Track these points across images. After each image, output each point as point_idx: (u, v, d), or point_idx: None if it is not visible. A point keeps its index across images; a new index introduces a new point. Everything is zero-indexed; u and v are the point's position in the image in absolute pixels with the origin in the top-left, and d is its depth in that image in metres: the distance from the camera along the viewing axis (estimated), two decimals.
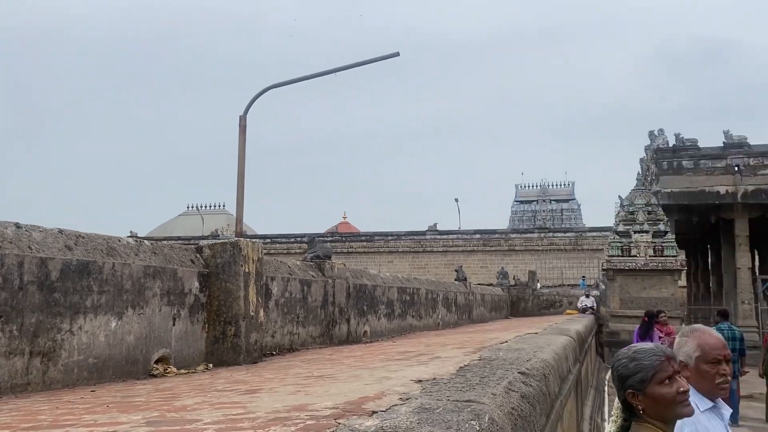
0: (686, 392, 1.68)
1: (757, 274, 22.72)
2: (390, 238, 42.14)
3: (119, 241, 3.54)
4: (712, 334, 2.20)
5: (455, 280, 14.28)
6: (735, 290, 18.73)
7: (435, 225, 42.40)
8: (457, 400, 1.82)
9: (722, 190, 18.39)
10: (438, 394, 1.98)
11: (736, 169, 18.45)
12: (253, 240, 4.46)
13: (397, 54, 11.74)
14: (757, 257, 25.46)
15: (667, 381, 1.68)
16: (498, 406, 1.84)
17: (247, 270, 4.12)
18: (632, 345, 1.82)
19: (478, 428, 1.49)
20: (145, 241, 3.86)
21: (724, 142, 18.92)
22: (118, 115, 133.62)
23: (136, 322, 3.41)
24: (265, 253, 4.61)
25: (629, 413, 1.76)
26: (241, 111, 11.30)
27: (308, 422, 1.48)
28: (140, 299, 3.45)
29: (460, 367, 2.80)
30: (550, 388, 3.03)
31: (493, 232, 43.44)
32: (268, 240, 40.63)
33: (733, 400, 9.13)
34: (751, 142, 18.75)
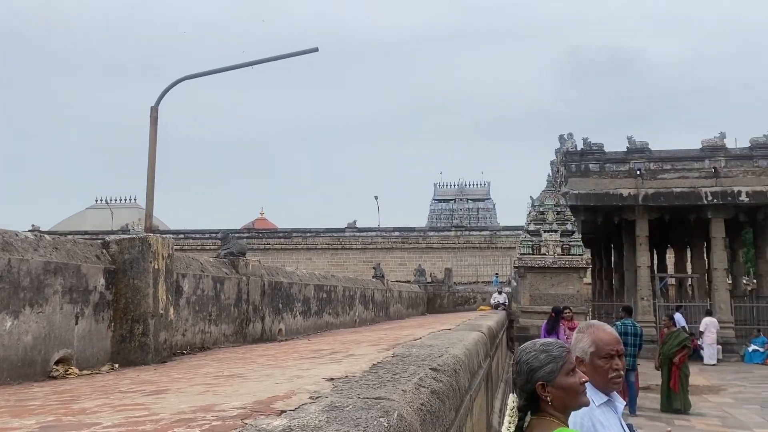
0: (585, 383, 1.79)
1: (656, 272, 24.19)
2: (308, 234, 41.84)
3: (16, 235, 3.33)
4: (606, 330, 2.31)
5: (373, 277, 14.38)
6: (635, 287, 19.86)
7: (354, 222, 42.48)
8: (368, 398, 1.83)
9: (625, 192, 19.45)
10: (349, 392, 1.98)
11: (638, 173, 19.55)
12: (164, 236, 4.32)
13: (316, 49, 11.67)
14: (656, 256, 27.10)
15: (572, 372, 1.78)
16: (408, 403, 1.86)
17: (156, 267, 3.98)
18: (536, 340, 1.89)
19: (386, 425, 1.51)
20: (45, 235, 3.66)
21: (627, 147, 19.99)
22: (20, 104, 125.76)
23: (35, 322, 3.23)
24: (177, 250, 4.48)
25: (528, 408, 1.81)
26: (153, 102, 10.91)
27: (214, 423, 1.46)
28: (39, 297, 3.26)
29: (373, 365, 2.82)
30: (460, 383, 3.10)
31: (412, 229, 43.98)
32: (181, 236, 39.41)
33: (631, 392, 9.69)
34: (652, 147, 19.90)
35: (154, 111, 10.75)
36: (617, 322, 10.43)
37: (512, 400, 1.89)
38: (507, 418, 1.90)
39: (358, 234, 41.72)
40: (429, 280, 20.50)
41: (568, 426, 1.81)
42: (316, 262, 39.67)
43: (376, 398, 1.82)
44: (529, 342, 1.92)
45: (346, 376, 2.41)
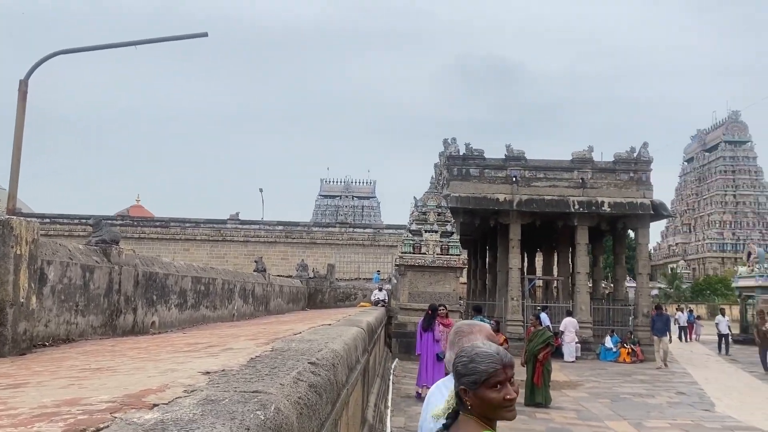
0: (512, 400, 1.76)
1: (525, 273, 25.63)
2: (188, 225, 40.34)
3: None
4: (486, 327, 2.46)
5: (254, 271, 14.14)
6: (506, 287, 20.94)
7: (237, 214, 41.47)
8: (245, 391, 1.82)
9: (501, 197, 20.45)
10: (225, 385, 1.96)
11: (514, 179, 20.62)
12: (28, 219, 4.02)
13: (205, 34, 11.29)
14: (526, 259, 28.72)
15: (498, 386, 1.75)
16: (285, 396, 1.87)
17: (18, 252, 3.70)
18: (477, 345, 1.86)
19: (263, 417, 1.51)
20: None
21: (505, 155, 21.02)
22: None
23: None
24: (43, 235, 4.18)
25: (460, 403, 1.85)
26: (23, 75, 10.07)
27: (80, 417, 1.39)
28: None
29: (251, 359, 2.79)
30: (338, 378, 3.14)
31: (296, 224, 43.64)
32: (47, 220, 36.67)
33: None
34: (528, 156, 21.06)
35: (24, 85, 9.94)
36: (467, 321, 10.98)
37: (451, 389, 1.91)
38: (445, 403, 1.93)
39: (240, 226, 40.78)
40: (311, 275, 20.45)
41: (492, 430, 1.80)
42: (195, 253, 38.35)
43: (253, 391, 1.82)
44: (470, 345, 1.89)
45: (223, 370, 2.37)
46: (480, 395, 1.76)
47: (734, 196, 74.55)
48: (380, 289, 19.46)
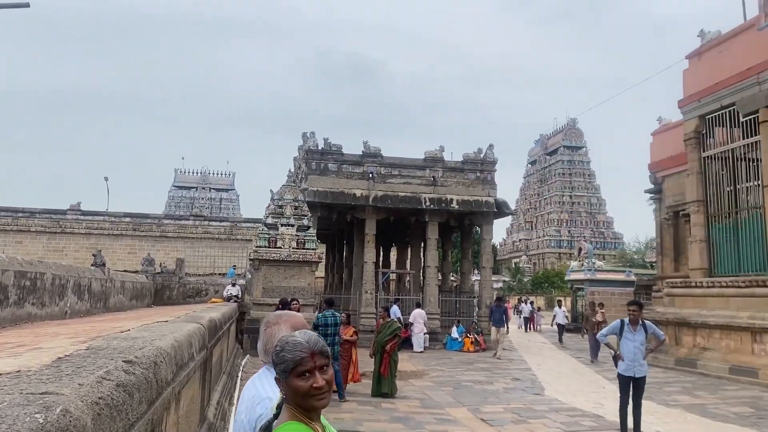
0: (320, 388, 1.76)
1: (380, 267, 26.25)
2: (20, 215, 36.83)
3: None
4: (298, 316, 2.46)
5: (92, 265, 13.21)
6: (361, 281, 21.31)
7: (78, 204, 38.48)
8: (32, 393, 1.70)
9: (358, 192, 20.77)
10: (12, 387, 1.81)
11: (371, 175, 21.02)
12: None
13: (27, 5, 10.33)
14: (381, 253, 29.41)
15: (306, 375, 1.75)
16: (81, 396, 1.77)
17: None
18: (291, 335, 1.85)
19: (41, 421, 1.42)
20: None
21: (363, 151, 21.37)
22: None
23: None
24: None
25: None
26: None
27: None
28: None
29: (59, 358, 2.60)
30: (160, 376, 3.02)
31: (146, 216, 41.37)
32: None
33: (337, 379, 10.38)
34: (384, 154, 21.56)
35: None
36: (318, 314, 11.13)
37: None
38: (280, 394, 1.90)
39: (81, 217, 37.89)
40: (159, 270, 19.49)
41: (308, 420, 1.80)
42: (29, 246, 35.14)
43: (42, 393, 1.70)
44: (286, 335, 1.88)
45: (19, 371, 2.19)
46: (290, 384, 1.77)
47: (570, 196, 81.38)
48: (233, 285, 19.00)
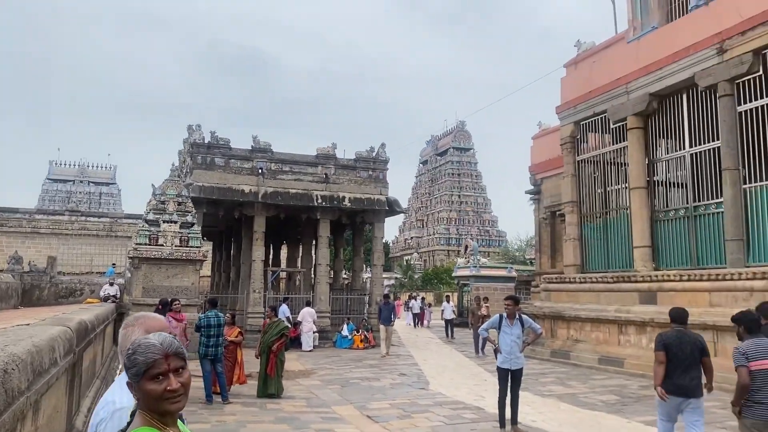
0: (174, 391, 1.70)
1: (270, 266, 25.85)
2: None
3: None
4: (156, 318, 2.34)
5: None
6: (249, 280, 20.87)
7: None
8: None
9: (247, 188, 20.30)
10: None
11: (260, 171, 20.61)
12: None
13: None
14: (271, 251, 28.96)
15: (159, 378, 1.69)
16: None
17: None
18: (144, 337, 1.77)
19: None
20: None
21: (252, 146, 20.91)
22: None
23: None
24: None
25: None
26: None
27: None
28: None
29: None
30: (11, 384, 2.80)
31: (15, 210, 38.40)
32: None
33: (221, 380, 10.11)
34: (275, 149, 21.21)
35: None
36: (201, 315, 10.82)
37: None
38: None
39: None
40: (27, 269, 18.10)
41: (162, 426, 1.72)
42: None
43: None
44: (140, 338, 1.79)
45: None
46: (142, 388, 1.70)
47: (459, 196, 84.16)
48: (111, 284, 18.02)
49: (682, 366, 5.91)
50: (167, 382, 1.70)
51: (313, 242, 24.52)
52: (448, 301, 25.95)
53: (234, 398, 10.31)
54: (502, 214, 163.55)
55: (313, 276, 23.47)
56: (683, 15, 14.39)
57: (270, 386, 10.68)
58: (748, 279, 11.42)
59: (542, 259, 23.62)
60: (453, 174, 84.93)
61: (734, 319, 5.61)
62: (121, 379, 2.29)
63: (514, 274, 32.55)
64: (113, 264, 32.71)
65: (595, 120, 16.30)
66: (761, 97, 11.91)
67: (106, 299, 16.48)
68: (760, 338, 5.17)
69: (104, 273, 27.29)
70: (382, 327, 17.96)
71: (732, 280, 11.74)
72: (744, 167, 12.36)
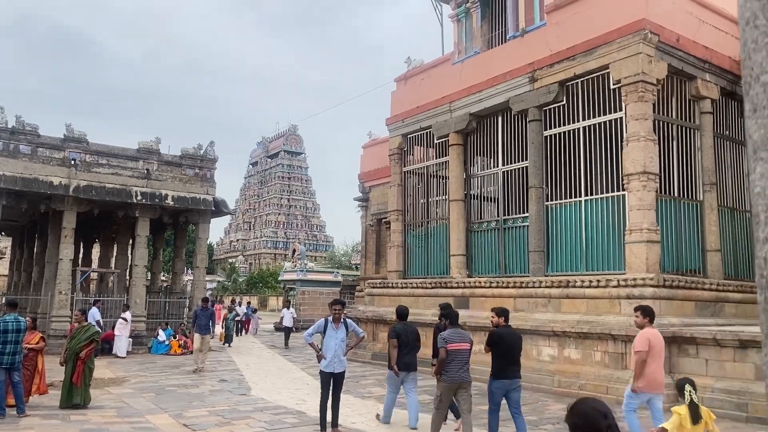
0: None
1: (80, 265, 23.78)
2: None
3: None
4: None
5: None
6: (55, 280, 19.02)
7: None
8: None
9: (56, 181, 18.51)
10: None
11: (73, 162, 18.91)
12: None
13: None
14: (82, 249, 26.67)
15: None
16: None
17: None
18: None
19: None
20: None
21: (65, 135, 19.13)
22: None
23: None
24: None
25: None
26: None
27: None
28: None
29: None
30: None
31: None
32: None
33: (18, 391, 9.11)
34: (91, 140, 19.59)
35: None
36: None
37: None
38: None
39: None
40: None
41: None
42: None
43: None
44: None
45: None
46: None
47: (288, 199, 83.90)
48: None
49: (406, 348, 8.47)
50: None
51: (130, 241, 23.00)
52: (288, 307, 24.34)
53: (32, 410, 9.33)
54: (331, 220, 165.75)
55: (128, 277, 21.99)
56: (503, 43, 15.71)
57: (75, 396, 9.82)
58: (546, 287, 12.71)
59: (367, 265, 24.33)
60: (283, 177, 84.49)
61: (442, 314, 8.23)
62: None
63: (339, 278, 33.13)
64: None
65: (421, 134, 17.18)
66: (564, 124, 13.36)
67: None
68: (458, 329, 7.48)
69: None
70: (196, 336, 15.30)
71: (533, 287, 13.00)
72: (547, 186, 13.77)
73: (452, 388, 7.26)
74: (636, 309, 7.40)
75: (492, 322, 7.70)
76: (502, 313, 7.62)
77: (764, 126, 1.19)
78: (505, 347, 7.32)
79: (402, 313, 9.01)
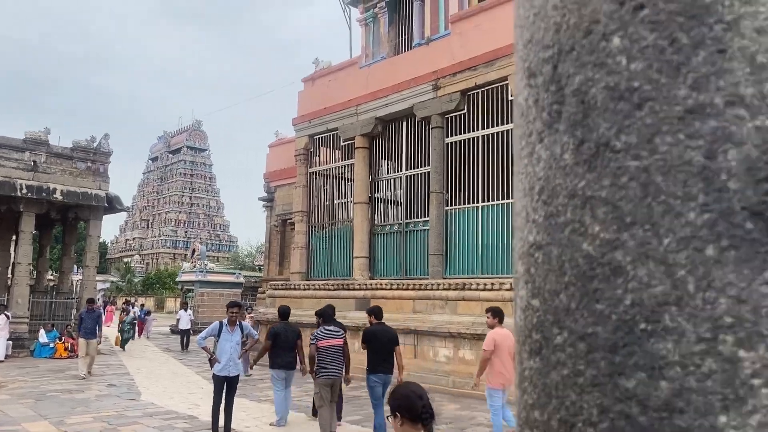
0: None
1: None
2: None
3: None
4: None
5: None
6: None
7: None
8: None
9: None
10: None
11: None
12: None
13: None
14: None
15: None
16: None
17: None
18: None
19: None
20: None
21: None
22: None
23: None
24: None
25: None
26: None
27: None
28: None
29: None
30: None
31: None
32: None
33: None
34: None
35: None
36: None
37: None
38: None
39: None
40: None
41: None
42: None
43: None
44: None
45: None
46: None
47: (190, 197, 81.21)
48: None
49: (284, 348, 8.61)
50: None
51: (13, 237, 21.46)
52: (185, 309, 23.47)
53: None
54: (235, 219, 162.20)
55: (10, 276, 20.52)
56: (409, 49, 15.97)
57: None
58: (444, 289, 13.03)
59: (270, 266, 23.97)
60: (185, 174, 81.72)
61: (317, 313, 8.30)
62: None
63: (241, 279, 32.45)
64: None
65: (327, 136, 17.15)
66: (465, 132, 13.76)
67: None
68: (330, 326, 7.84)
69: None
70: (82, 341, 14.13)
71: (432, 289, 13.28)
72: (447, 191, 14.13)
73: (329, 384, 7.59)
74: (487, 310, 7.78)
75: (369, 321, 8.17)
76: (372, 312, 8.12)
77: None
78: (378, 344, 7.71)
79: (284, 312, 9.18)
